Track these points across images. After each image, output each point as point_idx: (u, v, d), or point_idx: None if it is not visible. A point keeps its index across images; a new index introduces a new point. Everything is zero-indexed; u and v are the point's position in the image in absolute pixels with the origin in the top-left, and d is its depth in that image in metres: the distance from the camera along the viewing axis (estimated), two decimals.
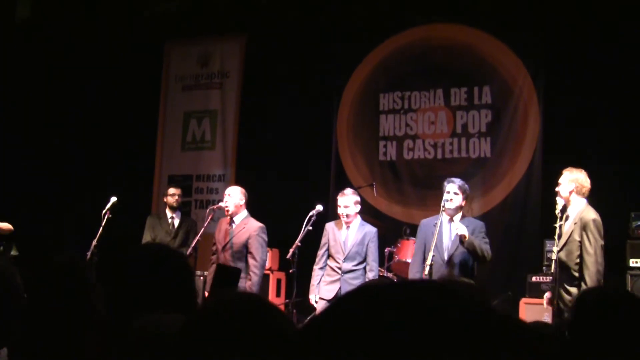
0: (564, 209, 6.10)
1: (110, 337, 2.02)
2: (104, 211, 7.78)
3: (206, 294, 7.36)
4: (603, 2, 8.23)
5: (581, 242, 5.93)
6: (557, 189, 6.15)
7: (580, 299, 2.78)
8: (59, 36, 10.68)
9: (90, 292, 2.48)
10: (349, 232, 7.18)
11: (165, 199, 8.81)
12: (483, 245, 6.32)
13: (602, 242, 5.93)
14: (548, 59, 8.59)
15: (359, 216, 7.36)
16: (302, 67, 9.71)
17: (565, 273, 6.03)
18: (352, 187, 9.17)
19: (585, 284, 5.82)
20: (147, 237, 8.49)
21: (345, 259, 7.06)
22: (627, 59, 8.03)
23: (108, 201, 7.86)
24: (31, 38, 10.66)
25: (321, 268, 7.22)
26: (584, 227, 5.93)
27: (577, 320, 2.58)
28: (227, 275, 2.69)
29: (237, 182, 9.86)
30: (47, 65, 10.69)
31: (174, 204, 8.69)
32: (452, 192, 6.44)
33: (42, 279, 2.54)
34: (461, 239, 6.27)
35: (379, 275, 7.39)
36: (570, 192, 6.03)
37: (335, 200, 7.44)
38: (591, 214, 5.97)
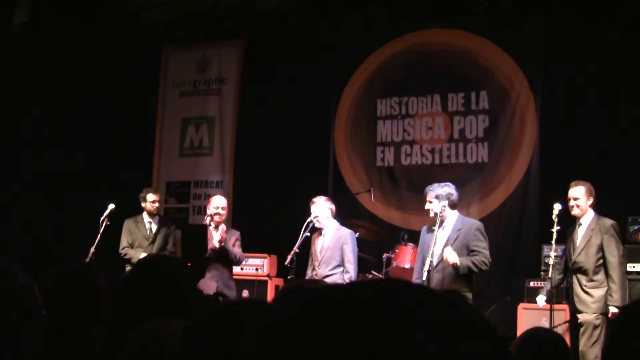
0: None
1: (116, 342, 2.03)
2: (101, 218, 7.78)
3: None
4: (600, 8, 8.26)
5: (602, 245, 6.14)
6: (576, 203, 6.34)
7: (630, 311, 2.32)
8: (56, 41, 10.68)
9: (101, 298, 2.50)
10: (324, 239, 7.26)
11: (143, 204, 8.39)
12: (477, 258, 6.28)
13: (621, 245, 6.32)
14: (545, 64, 8.62)
15: (334, 221, 7.42)
16: (299, 73, 9.72)
17: (584, 276, 6.26)
18: (349, 193, 9.24)
19: (614, 283, 6.10)
20: (124, 242, 8.22)
21: (320, 264, 7.11)
22: (624, 64, 8.06)
23: (106, 208, 7.86)
24: (29, 43, 10.66)
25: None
26: (606, 231, 6.19)
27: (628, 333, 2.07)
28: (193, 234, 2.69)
29: (235, 189, 9.91)
30: (44, 71, 10.68)
31: (153, 211, 8.39)
32: (427, 201, 6.57)
33: (55, 285, 2.55)
34: (453, 267, 6.27)
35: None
36: (590, 205, 6.33)
37: (336, 206, 7.48)
38: (609, 219, 6.27)
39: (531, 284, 7.65)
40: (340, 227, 7.34)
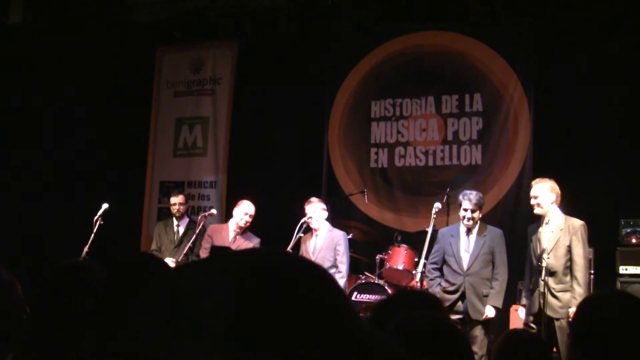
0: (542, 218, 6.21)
1: (102, 342, 2.02)
2: (95, 218, 7.77)
3: None
4: (594, 11, 8.28)
5: (570, 247, 6.07)
6: (537, 202, 6.23)
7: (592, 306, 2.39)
8: (50, 41, 10.66)
9: (92, 296, 2.49)
10: (316, 240, 7.27)
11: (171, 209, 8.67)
12: (503, 285, 6.70)
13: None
14: (539, 66, 8.64)
15: (327, 223, 7.43)
16: (293, 74, 9.72)
17: (552, 279, 6.13)
18: (343, 194, 9.25)
19: (579, 285, 5.98)
20: (153, 246, 8.49)
21: None
22: (618, 68, 8.08)
23: (100, 208, 7.85)
24: (23, 43, 10.64)
25: None
26: (575, 232, 6.07)
27: (591, 331, 2.19)
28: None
29: (229, 189, 9.90)
30: (38, 71, 10.67)
31: (177, 214, 8.53)
32: (469, 210, 6.69)
33: (48, 282, 2.54)
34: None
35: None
36: (552, 203, 6.15)
37: (330, 207, 7.48)
38: (578, 220, 6.12)
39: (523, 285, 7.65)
40: (332, 228, 7.37)
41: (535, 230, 6.40)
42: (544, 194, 6.21)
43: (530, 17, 8.68)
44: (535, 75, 8.67)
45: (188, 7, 10.36)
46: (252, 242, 7.63)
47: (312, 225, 7.27)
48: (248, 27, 10.14)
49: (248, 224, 7.67)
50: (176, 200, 8.58)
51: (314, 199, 7.43)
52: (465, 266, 6.73)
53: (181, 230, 8.49)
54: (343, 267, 7.15)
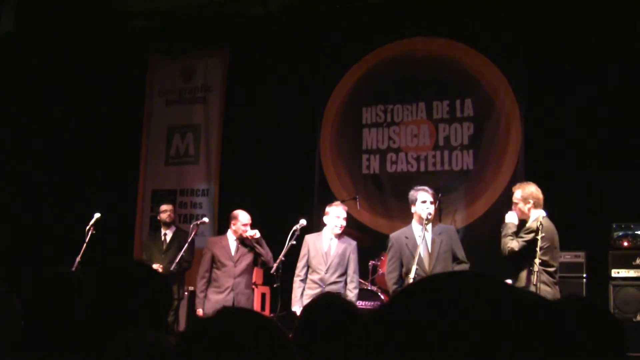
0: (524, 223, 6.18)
1: (91, 351, 2.02)
2: (87, 227, 7.75)
3: (200, 311, 7.44)
4: (585, 17, 8.32)
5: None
6: (516, 208, 6.19)
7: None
8: (41, 50, 10.65)
9: (81, 305, 2.49)
10: (331, 243, 7.11)
11: (158, 217, 8.72)
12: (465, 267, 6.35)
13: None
14: (529, 72, 8.67)
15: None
16: (284, 81, 9.74)
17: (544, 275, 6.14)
18: (335, 200, 9.23)
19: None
20: (145, 256, 8.51)
21: (328, 270, 6.96)
22: (608, 72, 8.12)
23: (92, 217, 7.83)
24: (13, 52, 10.62)
25: (302, 280, 7.09)
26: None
27: None
28: None
29: (221, 197, 9.90)
30: (29, 80, 10.65)
31: (167, 220, 8.58)
32: (428, 202, 6.34)
33: (38, 291, 2.54)
34: None
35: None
36: (529, 209, 6.12)
37: (322, 213, 7.41)
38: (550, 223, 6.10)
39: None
40: (344, 235, 7.26)
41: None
42: (519, 200, 6.19)
43: (521, 22, 8.71)
44: (526, 80, 8.69)
45: (179, 15, 10.36)
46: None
47: (334, 231, 7.08)
48: (239, 35, 10.15)
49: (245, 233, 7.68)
50: (167, 208, 8.67)
51: (338, 203, 7.37)
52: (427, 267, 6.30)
53: (168, 237, 8.53)
54: (356, 275, 7.10)
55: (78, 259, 7.48)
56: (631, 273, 7.37)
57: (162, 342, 1.77)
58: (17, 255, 9.61)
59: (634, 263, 7.39)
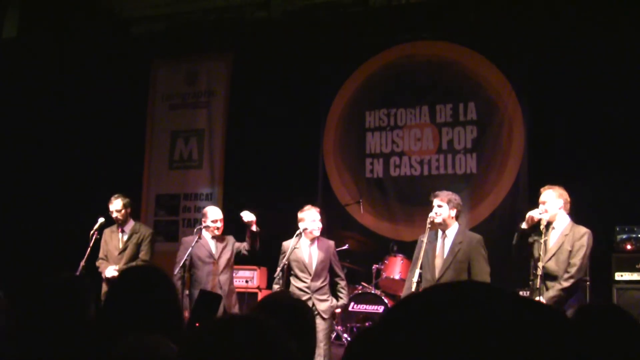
0: (549, 224, 6.13)
1: (99, 353, 2.03)
2: (91, 232, 7.75)
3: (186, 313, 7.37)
4: (587, 19, 8.32)
5: (571, 251, 6.00)
6: (545, 207, 6.13)
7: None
8: (44, 56, 10.68)
9: (86, 309, 2.50)
10: (311, 250, 6.91)
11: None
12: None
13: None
14: (532, 74, 8.67)
15: None
16: (288, 85, 9.76)
17: (552, 283, 6.07)
18: (339, 204, 9.24)
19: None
20: (100, 254, 7.93)
21: (313, 278, 6.77)
22: (611, 75, 8.12)
23: (96, 222, 7.83)
24: (17, 57, 10.65)
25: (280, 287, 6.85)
26: (579, 238, 5.99)
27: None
28: (209, 301, 2.70)
29: (225, 201, 9.90)
30: (33, 85, 10.68)
31: (120, 217, 7.93)
32: (436, 205, 6.21)
33: (43, 296, 2.55)
34: None
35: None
36: (560, 208, 6.09)
37: (326, 217, 7.38)
38: (584, 227, 6.05)
39: (520, 293, 7.64)
40: (321, 238, 7.17)
41: (537, 235, 6.27)
42: (551, 199, 6.15)
43: (524, 25, 8.71)
44: (529, 83, 8.70)
45: (183, 20, 10.40)
46: (230, 244, 7.54)
47: (314, 234, 6.92)
48: (243, 39, 10.17)
49: (221, 230, 7.56)
50: (117, 205, 7.97)
51: (309, 207, 7.07)
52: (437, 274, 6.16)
53: (125, 236, 7.98)
54: (342, 273, 7.04)
55: (82, 263, 7.48)
56: (635, 276, 7.35)
57: (162, 346, 1.77)
58: (20, 260, 9.63)
59: (637, 266, 7.37)
